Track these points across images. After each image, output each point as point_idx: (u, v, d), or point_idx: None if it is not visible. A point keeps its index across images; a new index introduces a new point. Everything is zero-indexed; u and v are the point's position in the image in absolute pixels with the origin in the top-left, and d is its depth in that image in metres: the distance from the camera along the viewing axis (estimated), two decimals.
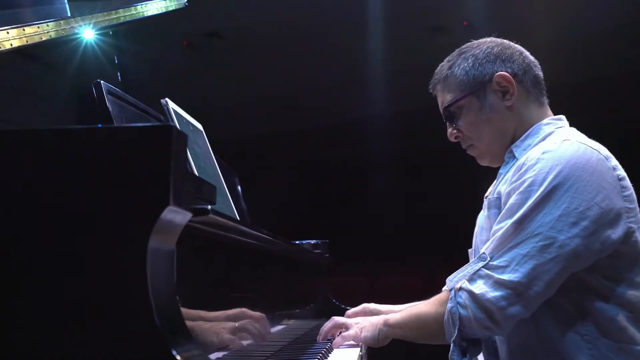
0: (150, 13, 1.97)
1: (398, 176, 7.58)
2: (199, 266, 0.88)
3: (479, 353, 1.18)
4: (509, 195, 1.13)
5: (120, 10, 1.95)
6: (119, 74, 3.08)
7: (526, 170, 1.11)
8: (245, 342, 1.03)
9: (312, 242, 1.95)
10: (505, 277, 1.05)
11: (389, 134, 7.54)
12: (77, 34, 1.71)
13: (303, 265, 1.84)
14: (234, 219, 1.07)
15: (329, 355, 1.24)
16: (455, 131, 1.30)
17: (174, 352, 0.55)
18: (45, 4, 1.91)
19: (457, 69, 1.28)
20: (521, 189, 1.09)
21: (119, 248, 0.57)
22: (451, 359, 1.10)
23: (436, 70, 1.34)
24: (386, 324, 1.22)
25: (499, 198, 1.18)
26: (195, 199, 0.65)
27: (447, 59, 1.33)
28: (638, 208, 1.14)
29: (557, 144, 1.12)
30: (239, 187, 1.92)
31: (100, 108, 1.02)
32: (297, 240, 1.91)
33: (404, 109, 7.18)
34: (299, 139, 8.54)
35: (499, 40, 1.32)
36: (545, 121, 1.26)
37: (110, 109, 1.05)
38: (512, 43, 1.32)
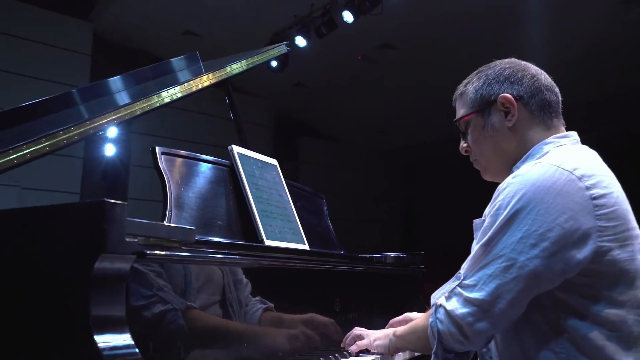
0: (259, 62, 2.30)
1: None
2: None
3: None
4: (486, 217, 1.19)
5: (243, 61, 2.26)
6: None
7: (498, 195, 1.19)
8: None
9: (400, 254, 2.05)
10: (473, 295, 1.14)
11: None
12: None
13: (390, 278, 1.99)
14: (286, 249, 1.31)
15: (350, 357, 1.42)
16: (465, 145, 1.39)
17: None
18: (190, 67, 2.40)
19: (470, 86, 1.37)
20: (492, 212, 1.18)
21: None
22: None
23: (458, 86, 1.41)
24: (394, 335, 1.35)
25: (484, 220, 1.21)
26: (135, 245, 0.91)
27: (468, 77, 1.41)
28: (624, 227, 1.12)
29: (528, 167, 1.17)
30: (325, 208, 2.15)
31: (156, 167, 1.38)
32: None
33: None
34: None
35: (516, 62, 1.37)
36: (547, 140, 1.28)
37: (164, 166, 1.39)
38: (529, 65, 1.36)
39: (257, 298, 1.49)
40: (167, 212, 1.31)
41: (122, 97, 1.91)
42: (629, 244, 1.13)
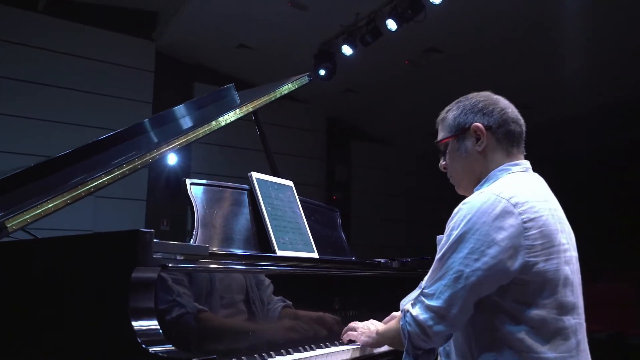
0: (284, 93, 2.68)
1: None
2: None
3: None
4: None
5: (271, 93, 2.65)
6: None
7: (452, 217, 1.46)
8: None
9: (404, 260, 2.36)
10: (432, 303, 1.43)
11: None
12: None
13: (392, 281, 2.31)
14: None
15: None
16: (444, 163, 1.67)
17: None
18: (229, 97, 2.82)
19: (450, 114, 1.65)
20: (447, 233, 1.45)
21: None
22: None
23: (441, 112, 1.70)
24: (377, 333, 1.68)
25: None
26: (159, 260, 1.31)
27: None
28: (549, 243, 1.38)
29: (476, 195, 1.44)
30: (339, 220, 2.51)
31: (186, 196, 1.79)
32: None
33: None
34: (536, 136, 8.33)
35: (490, 96, 1.63)
36: (501, 167, 1.54)
37: (192, 194, 1.80)
38: (500, 99, 1.62)
39: (278, 297, 1.88)
40: (195, 231, 1.72)
41: (171, 129, 2.35)
42: (554, 257, 1.40)
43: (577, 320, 1.43)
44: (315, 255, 2.12)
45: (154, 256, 1.30)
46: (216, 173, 7.20)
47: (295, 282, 1.90)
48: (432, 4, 6.21)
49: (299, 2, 6.73)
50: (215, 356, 1.22)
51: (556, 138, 7.95)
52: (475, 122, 1.57)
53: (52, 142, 6.35)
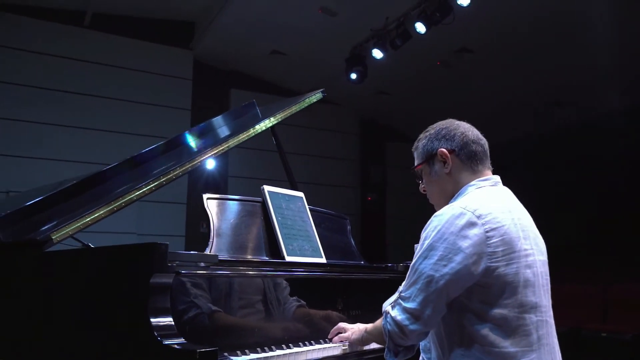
0: (301, 108, 2.92)
1: None
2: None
3: (411, 355, 1.74)
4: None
5: (286, 109, 2.90)
6: None
7: (425, 228, 1.66)
8: None
9: (408, 263, 2.55)
10: (408, 305, 1.62)
11: None
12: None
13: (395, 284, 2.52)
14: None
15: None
16: (423, 186, 1.87)
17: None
18: (253, 112, 3.11)
19: (420, 143, 1.86)
20: (420, 242, 1.66)
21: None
22: (386, 358, 1.72)
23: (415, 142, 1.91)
24: (365, 331, 1.90)
25: None
26: (173, 267, 1.58)
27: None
28: (510, 250, 1.57)
29: (445, 209, 1.64)
30: (349, 227, 2.74)
31: (204, 209, 2.06)
32: None
33: None
34: (566, 136, 8.30)
35: (452, 123, 1.82)
36: (471, 183, 1.73)
37: (209, 207, 2.07)
38: (461, 124, 1.82)
39: (294, 297, 2.13)
40: (210, 241, 1.99)
41: (207, 141, 2.65)
42: (514, 262, 1.58)
43: (540, 318, 1.60)
44: (323, 260, 2.35)
45: (169, 264, 1.57)
46: (252, 176, 7.53)
47: (303, 285, 2.15)
48: (461, 6, 6.32)
49: (329, 8, 6.97)
50: (217, 348, 1.47)
51: (589, 136, 7.88)
52: (440, 147, 1.77)
53: (99, 150, 6.85)
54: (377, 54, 7.30)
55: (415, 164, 1.88)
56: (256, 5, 6.99)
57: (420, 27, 6.70)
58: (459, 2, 6.27)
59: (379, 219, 9.57)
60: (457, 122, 1.84)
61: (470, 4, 6.23)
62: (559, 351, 1.70)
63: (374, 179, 9.63)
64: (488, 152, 1.82)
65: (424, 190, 1.88)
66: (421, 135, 1.89)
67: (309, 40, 7.60)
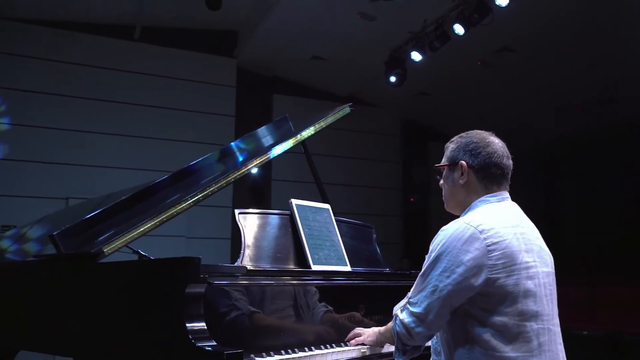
0: (330, 122, 3.11)
1: None
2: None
3: (418, 354, 1.90)
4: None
5: (316, 124, 3.10)
6: None
7: (433, 241, 1.82)
8: None
9: None
10: (415, 310, 1.79)
11: None
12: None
13: None
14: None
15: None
16: (441, 182, 2.00)
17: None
18: (286, 126, 3.33)
19: (451, 145, 1.96)
20: (429, 253, 1.82)
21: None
22: (395, 357, 1.90)
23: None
24: (380, 333, 2.09)
25: None
26: (205, 278, 1.81)
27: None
28: (511, 262, 1.70)
29: (451, 224, 1.79)
30: (374, 236, 2.91)
31: (235, 223, 2.29)
32: None
33: None
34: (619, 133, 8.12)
35: (484, 138, 1.90)
36: (481, 199, 1.86)
37: (240, 221, 2.29)
38: (492, 143, 1.88)
39: (322, 303, 2.34)
40: (242, 252, 2.22)
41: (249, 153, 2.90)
42: (515, 274, 1.71)
43: (541, 326, 1.73)
44: (348, 268, 2.54)
45: (201, 275, 1.80)
46: (294, 179, 7.77)
47: (328, 291, 2.35)
48: (499, 7, 6.33)
49: (367, 13, 7.12)
50: (242, 350, 1.69)
51: None
52: (463, 159, 1.89)
53: (152, 157, 7.28)
54: (416, 56, 7.39)
55: (441, 163, 1.99)
56: (296, 13, 7.22)
57: (459, 29, 6.75)
58: (497, 3, 6.29)
59: (422, 220, 9.64)
60: (491, 139, 1.91)
61: (509, 3, 6.24)
62: (564, 358, 1.82)
63: (416, 180, 9.71)
64: (509, 175, 1.91)
65: (441, 186, 2.01)
66: (456, 138, 1.97)
67: (349, 44, 7.77)
